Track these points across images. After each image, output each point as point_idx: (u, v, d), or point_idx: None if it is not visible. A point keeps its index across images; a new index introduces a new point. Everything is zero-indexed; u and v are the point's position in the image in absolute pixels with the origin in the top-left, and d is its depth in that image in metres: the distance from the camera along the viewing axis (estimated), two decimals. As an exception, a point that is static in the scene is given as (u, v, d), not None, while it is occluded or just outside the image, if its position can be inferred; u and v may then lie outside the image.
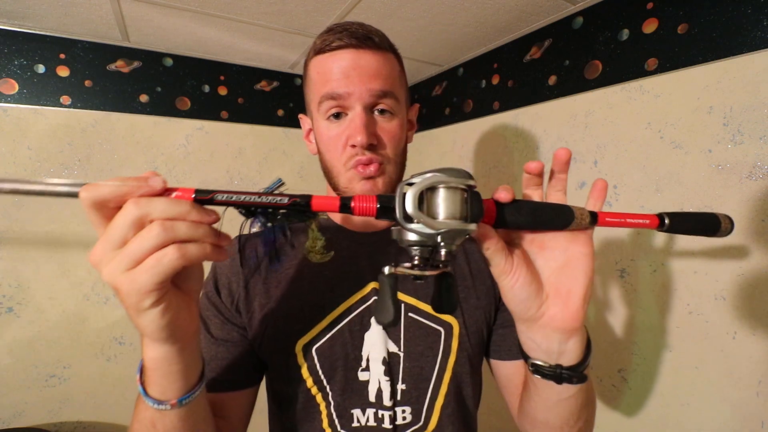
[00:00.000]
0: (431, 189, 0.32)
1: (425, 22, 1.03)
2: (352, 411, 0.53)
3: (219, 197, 0.31)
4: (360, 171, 0.53)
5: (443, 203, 0.31)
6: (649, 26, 0.83)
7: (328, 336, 0.54)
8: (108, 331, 1.19)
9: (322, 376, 0.53)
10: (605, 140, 0.91)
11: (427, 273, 0.33)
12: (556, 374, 0.39)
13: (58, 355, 1.14)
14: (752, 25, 0.69)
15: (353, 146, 0.51)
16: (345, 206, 0.32)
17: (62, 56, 1.15)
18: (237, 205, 0.32)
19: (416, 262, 0.33)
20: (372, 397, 0.53)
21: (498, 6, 0.95)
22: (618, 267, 0.88)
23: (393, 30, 1.08)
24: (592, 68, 0.94)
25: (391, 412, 0.53)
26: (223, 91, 1.38)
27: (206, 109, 1.35)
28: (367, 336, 0.55)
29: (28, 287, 1.10)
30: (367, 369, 0.54)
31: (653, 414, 0.82)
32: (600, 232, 0.92)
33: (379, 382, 0.53)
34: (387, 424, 0.53)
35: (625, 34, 0.88)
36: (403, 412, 0.54)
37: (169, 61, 1.29)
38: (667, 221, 0.38)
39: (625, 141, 0.87)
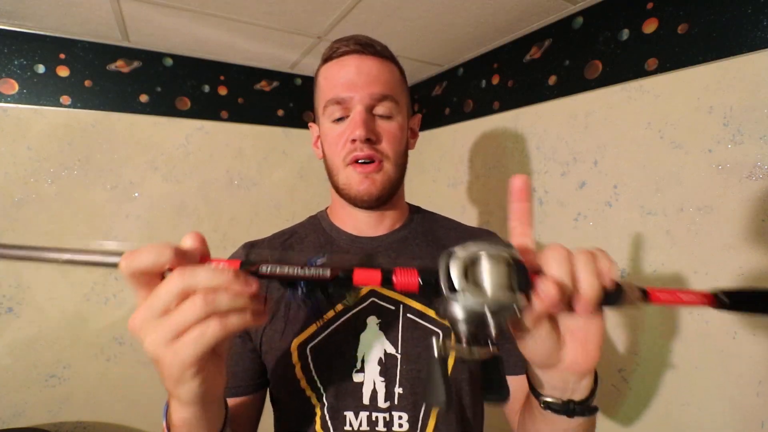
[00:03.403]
0: (474, 263, 0.31)
1: (425, 22, 1.03)
2: (345, 413, 0.53)
3: (263, 269, 0.32)
4: (357, 168, 0.56)
5: (488, 274, 0.30)
6: (649, 26, 0.83)
7: (322, 335, 0.54)
8: (108, 331, 1.19)
9: (316, 376, 0.54)
10: (605, 140, 0.91)
11: (477, 355, 0.31)
12: (569, 409, 0.39)
13: (58, 355, 1.14)
14: (752, 25, 0.69)
15: (353, 141, 0.55)
16: (387, 281, 0.32)
17: (62, 56, 1.15)
18: (280, 277, 0.32)
19: (465, 339, 0.31)
20: (366, 399, 0.53)
21: (498, 6, 0.95)
22: (618, 267, 0.88)
23: (393, 30, 1.08)
24: (592, 68, 0.94)
25: (386, 415, 0.52)
26: (223, 91, 1.38)
27: (206, 109, 1.35)
28: (363, 337, 0.55)
29: (28, 287, 1.10)
30: (361, 370, 0.54)
31: (653, 414, 0.82)
32: (599, 231, 0.92)
33: (374, 383, 0.53)
34: (381, 427, 0.52)
35: (625, 34, 0.88)
36: (400, 418, 0.53)
37: (169, 61, 1.29)
38: (726, 300, 0.35)
39: (625, 141, 0.87)
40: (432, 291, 0.32)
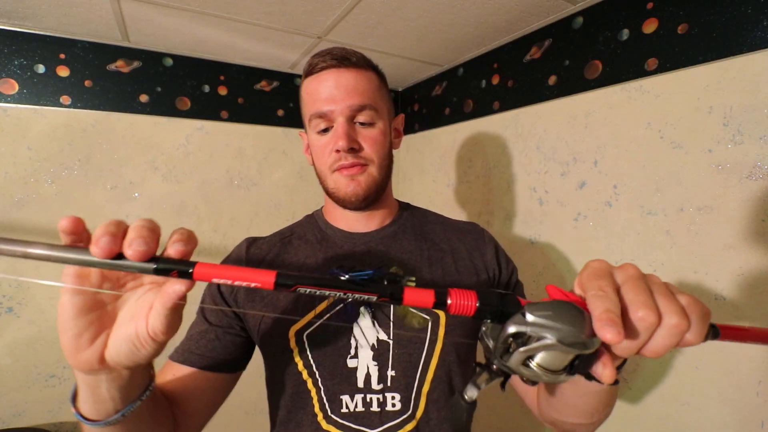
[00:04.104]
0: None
1: (425, 22, 1.03)
2: (341, 397, 0.56)
3: (301, 291, 0.31)
4: (343, 171, 0.60)
5: (546, 359, 0.28)
6: (649, 26, 0.83)
7: (318, 323, 0.58)
8: (108, 331, 1.19)
9: (312, 362, 0.57)
10: (605, 140, 0.91)
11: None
12: (588, 374, 0.40)
13: (58, 355, 1.14)
14: (752, 25, 0.69)
15: (337, 151, 0.59)
16: (441, 303, 0.30)
17: (62, 56, 1.15)
18: (319, 297, 0.32)
19: (494, 370, 0.31)
20: (360, 383, 0.56)
21: (498, 6, 0.95)
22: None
23: (393, 30, 1.08)
24: (592, 68, 0.94)
25: (379, 396, 0.56)
26: (223, 91, 1.38)
27: (206, 109, 1.35)
28: (357, 325, 0.58)
29: (28, 287, 1.10)
30: (355, 356, 0.57)
31: (653, 414, 0.82)
32: (599, 231, 0.92)
33: (368, 368, 0.57)
34: (375, 407, 0.56)
35: (625, 34, 0.88)
36: (393, 398, 0.56)
37: (169, 61, 1.29)
38: None
39: (625, 141, 0.87)
40: (483, 318, 0.30)
